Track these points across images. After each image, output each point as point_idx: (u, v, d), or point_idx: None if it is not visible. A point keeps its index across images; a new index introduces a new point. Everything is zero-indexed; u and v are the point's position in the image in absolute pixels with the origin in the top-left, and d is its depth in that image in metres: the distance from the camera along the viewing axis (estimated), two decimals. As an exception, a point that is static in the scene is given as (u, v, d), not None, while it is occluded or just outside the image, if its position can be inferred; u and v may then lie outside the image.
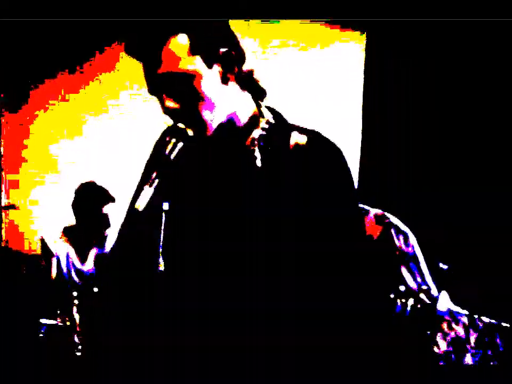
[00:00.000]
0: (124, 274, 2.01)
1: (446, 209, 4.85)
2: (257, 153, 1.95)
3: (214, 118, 1.89)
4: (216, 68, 1.88)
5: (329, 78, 5.57)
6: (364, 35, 5.48)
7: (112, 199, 4.89)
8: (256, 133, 1.98)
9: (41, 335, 4.23)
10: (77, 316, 4.31)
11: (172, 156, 1.86)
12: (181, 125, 1.89)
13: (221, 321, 1.93)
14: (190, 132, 1.89)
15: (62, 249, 4.85)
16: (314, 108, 5.38)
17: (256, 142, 1.96)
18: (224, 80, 1.90)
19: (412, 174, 5.04)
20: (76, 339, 4.27)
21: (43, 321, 4.29)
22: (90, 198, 4.88)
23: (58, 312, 4.33)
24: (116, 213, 4.91)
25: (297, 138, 1.95)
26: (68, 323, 4.29)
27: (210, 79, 1.87)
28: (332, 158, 1.95)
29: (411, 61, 5.18)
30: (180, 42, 1.84)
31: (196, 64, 1.84)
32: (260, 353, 1.91)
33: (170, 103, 1.86)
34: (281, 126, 2.00)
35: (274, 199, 1.91)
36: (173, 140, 1.88)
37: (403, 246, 3.86)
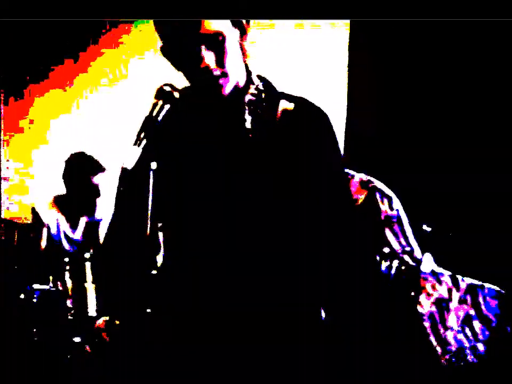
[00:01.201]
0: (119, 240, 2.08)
1: (431, 173, 4.92)
2: (247, 116, 2.04)
3: (232, 79, 1.99)
4: (236, 32, 1.98)
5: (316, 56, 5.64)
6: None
7: (102, 169, 4.95)
8: (246, 98, 2.07)
9: (34, 300, 4.30)
10: (69, 281, 4.37)
11: (159, 118, 1.93)
12: (167, 87, 1.97)
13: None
14: (176, 94, 1.97)
15: (53, 218, 4.91)
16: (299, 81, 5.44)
17: (246, 106, 2.05)
18: (240, 44, 2.02)
19: (396, 139, 5.11)
20: (69, 303, 4.34)
21: (36, 286, 4.36)
22: (80, 168, 4.94)
23: (51, 278, 4.40)
24: (106, 182, 4.97)
25: (284, 105, 2.04)
26: (61, 288, 4.36)
27: (232, 41, 1.99)
28: (318, 121, 2.04)
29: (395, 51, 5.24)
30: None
31: (224, 25, 1.96)
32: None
33: (210, 59, 1.94)
34: (270, 93, 2.09)
35: (261, 161, 1.99)
36: (160, 102, 1.96)
37: (388, 210, 3.92)
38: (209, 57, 1.95)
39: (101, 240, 4.79)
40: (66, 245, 4.85)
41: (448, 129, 5.07)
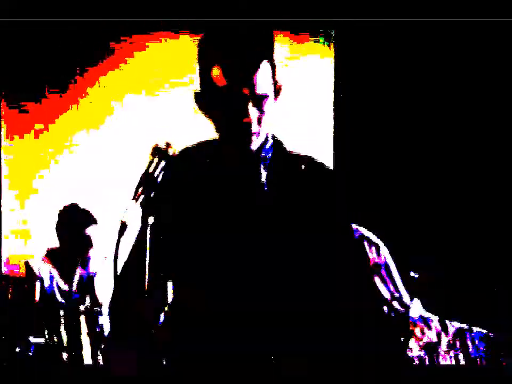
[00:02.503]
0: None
1: (416, 219, 4.98)
2: (262, 172, 2.17)
3: (261, 137, 2.11)
4: (273, 95, 2.13)
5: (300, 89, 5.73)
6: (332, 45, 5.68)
7: (94, 221, 5.00)
8: (262, 154, 2.20)
9: (30, 353, 4.32)
10: (64, 334, 4.40)
11: (155, 174, 2.03)
12: (161, 145, 2.07)
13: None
14: (171, 151, 2.07)
15: (46, 271, 4.94)
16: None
17: (262, 162, 2.18)
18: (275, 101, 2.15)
19: (382, 187, 5.18)
20: (64, 357, 4.37)
21: (31, 340, 4.38)
22: (73, 220, 4.98)
23: (46, 331, 4.42)
24: (98, 234, 5.02)
25: (295, 164, 2.18)
26: (55, 341, 4.39)
27: (270, 103, 2.12)
28: (326, 181, 2.19)
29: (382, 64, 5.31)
30: (267, 67, 2.10)
31: (269, 87, 2.10)
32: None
33: (254, 116, 2.06)
34: (281, 151, 2.22)
35: (274, 218, 2.12)
36: (156, 159, 2.06)
37: (375, 257, 4.00)
38: (253, 114, 2.07)
39: (97, 293, 4.83)
40: (60, 298, 4.87)
41: (432, 172, 5.14)
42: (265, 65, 2.09)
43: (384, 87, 5.29)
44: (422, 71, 5.22)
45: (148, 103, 5.86)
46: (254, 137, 2.10)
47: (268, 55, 2.11)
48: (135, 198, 2.00)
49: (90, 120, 5.94)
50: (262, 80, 2.07)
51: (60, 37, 5.74)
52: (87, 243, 4.97)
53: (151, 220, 2.02)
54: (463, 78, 5.13)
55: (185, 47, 5.60)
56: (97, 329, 4.43)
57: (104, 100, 5.93)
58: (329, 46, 5.75)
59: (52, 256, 5.04)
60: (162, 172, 2.03)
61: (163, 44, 5.86)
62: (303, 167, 2.20)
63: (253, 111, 2.06)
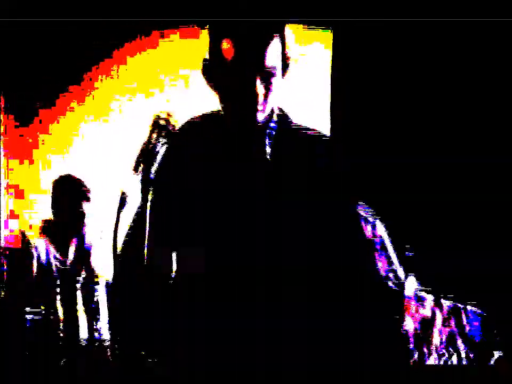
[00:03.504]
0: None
1: (413, 196, 5.00)
2: (267, 144, 2.18)
3: (267, 111, 2.13)
4: (281, 70, 2.14)
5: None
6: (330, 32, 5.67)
7: (89, 192, 4.98)
8: (268, 126, 2.21)
9: (27, 324, 4.34)
10: (60, 307, 4.42)
11: (156, 145, 2.04)
12: (163, 115, 2.08)
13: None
14: (173, 122, 2.08)
15: (41, 243, 4.94)
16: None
17: (267, 134, 2.19)
18: (283, 77, 2.16)
19: (379, 165, 5.19)
20: (60, 328, 4.39)
21: (27, 312, 4.40)
22: (67, 191, 4.96)
23: (42, 304, 4.44)
24: (94, 207, 5.02)
25: (301, 135, 2.20)
26: (52, 314, 4.41)
27: (278, 78, 2.14)
28: (331, 154, 2.20)
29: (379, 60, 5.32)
30: (277, 43, 2.11)
31: (278, 63, 2.12)
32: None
33: (261, 89, 2.08)
34: (287, 124, 2.23)
35: (277, 189, 2.13)
36: (156, 130, 2.07)
37: (371, 235, 4.02)
38: (260, 89, 2.07)
39: (93, 266, 4.84)
40: (55, 271, 4.88)
41: (428, 148, 5.15)
42: (275, 40, 2.10)
43: (383, 76, 5.30)
44: (419, 58, 5.23)
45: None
46: (259, 110, 2.11)
47: (279, 29, 2.12)
48: (135, 170, 2.01)
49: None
50: (272, 54, 2.08)
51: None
52: (82, 215, 4.96)
53: (151, 195, 2.03)
54: (461, 66, 5.14)
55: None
56: (94, 303, 4.45)
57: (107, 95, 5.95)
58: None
59: (47, 228, 5.03)
60: (163, 143, 2.04)
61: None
62: (308, 140, 2.21)
63: (260, 84, 2.07)
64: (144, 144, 2.05)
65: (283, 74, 2.17)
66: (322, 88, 5.74)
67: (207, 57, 2.15)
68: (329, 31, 5.66)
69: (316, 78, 5.78)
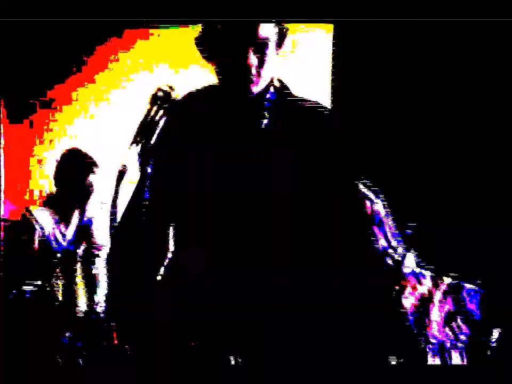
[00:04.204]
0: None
1: (412, 173, 4.99)
2: (265, 115, 2.18)
3: (262, 81, 2.11)
4: (275, 41, 2.11)
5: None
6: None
7: (95, 165, 4.99)
8: (266, 97, 2.20)
9: (27, 295, 4.35)
10: (59, 280, 4.44)
11: (155, 119, 2.04)
12: (164, 87, 2.08)
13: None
14: (174, 94, 2.09)
15: (45, 217, 4.95)
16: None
17: (266, 105, 2.19)
18: (277, 50, 2.15)
19: (381, 140, 5.18)
20: (59, 301, 4.40)
21: (28, 285, 4.41)
22: (73, 165, 4.97)
23: (43, 277, 4.45)
24: (98, 180, 5.02)
25: (300, 107, 2.19)
26: (51, 286, 4.42)
27: (272, 48, 2.13)
28: (330, 125, 2.20)
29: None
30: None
31: (270, 32, 2.09)
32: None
33: (254, 60, 2.06)
34: (287, 95, 2.22)
35: (275, 161, 2.13)
36: (158, 103, 2.07)
37: (370, 211, 4.02)
38: (253, 59, 2.07)
39: (94, 239, 4.85)
40: (56, 243, 4.89)
41: (428, 124, 5.14)
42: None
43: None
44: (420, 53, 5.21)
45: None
46: (254, 80, 2.10)
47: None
48: (135, 142, 2.01)
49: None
50: (264, 26, 2.07)
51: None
52: (88, 188, 4.97)
53: (149, 168, 2.04)
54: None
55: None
56: (93, 276, 4.47)
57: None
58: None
59: (50, 201, 5.05)
60: (163, 115, 2.04)
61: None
62: (307, 111, 2.20)
63: (252, 55, 2.07)
64: (144, 116, 2.05)
65: (279, 46, 2.16)
66: (323, 63, 5.74)
67: (201, 29, 2.15)
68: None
69: (316, 55, 5.78)
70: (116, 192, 2.06)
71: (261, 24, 2.06)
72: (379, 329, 3.80)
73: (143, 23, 5.66)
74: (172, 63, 5.80)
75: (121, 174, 2.02)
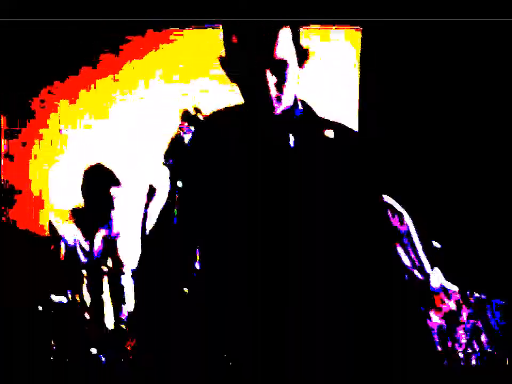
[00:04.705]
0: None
1: (440, 189, 4.99)
2: (290, 136, 2.19)
3: (284, 103, 2.12)
4: (296, 61, 2.12)
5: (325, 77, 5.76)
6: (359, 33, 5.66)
7: (117, 182, 5.04)
8: (291, 119, 2.21)
9: (52, 311, 4.37)
10: (86, 294, 4.46)
11: (185, 139, 2.06)
12: (192, 110, 2.10)
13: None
14: (201, 116, 2.10)
15: (69, 231, 4.99)
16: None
17: (290, 127, 2.20)
18: (298, 71, 2.17)
19: (408, 159, 5.18)
20: (86, 315, 4.42)
21: (54, 298, 4.44)
22: (97, 180, 5.02)
23: (69, 290, 4.48)
24: (122, 196, 5.06)
25: (325, 132, 2.19)
26: (78, 300, 4.45)
27: (292, 69, 2.13)
28: (355, 148, 2.20)
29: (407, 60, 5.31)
30: (286, 33, 2.10)
31: (289, 53, 2.10)
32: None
33: (272, 81, 2.07)
34: (311, 117, 2.23)
35: (301, 181, 2.14)
36: (185, 124, 2.08)
37: (398, 225, 4.01)
38: (271, 81, 2.07)
39: (119, 254, 4.88)
40: (82, 258, 4.92)
41: (456, 142, 5.14)
42: (284, 31, 2.10)
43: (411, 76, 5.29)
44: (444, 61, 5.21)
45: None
46: (275, 103, 2.11)
47: (288, 20, 2.11)
48: (165, 162, 2.03)
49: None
50: (281, 46, 2.08)
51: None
52: (110, 204, 5.02)
53: (179, 184, 2.05)
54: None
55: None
56: (120, 291, 4.48)
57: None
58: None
59: (76, 216, 5.09)
60: (192, 137, 2.06)
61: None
62: (332, 133, 2.21)
63: (270, 77, 2.07)
64: (173, 136, 2.07)
65: (300, 65, 2.17)
66: (349, 83, 5.75)
67: (223, 51, 2.17)
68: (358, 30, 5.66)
69: (341, 72, 5.79)
70: (146, 208, 2.08)
71: (278, 44, 2.07)
72: (406, 346, 3.79)
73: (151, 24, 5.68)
74: (187, 73, 5.84)
75: (152, 190, 2.03)
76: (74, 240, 4.95)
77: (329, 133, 2.21)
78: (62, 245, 4.91)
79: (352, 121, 5.56)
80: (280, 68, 2.09)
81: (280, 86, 2.10)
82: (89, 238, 4.98)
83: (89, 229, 5.01)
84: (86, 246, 4.96)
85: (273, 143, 2.19)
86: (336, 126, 2.24)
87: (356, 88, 5.65)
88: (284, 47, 2.09)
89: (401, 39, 5.29)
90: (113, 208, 5.02)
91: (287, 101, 2.15)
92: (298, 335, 2.12)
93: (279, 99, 2.11)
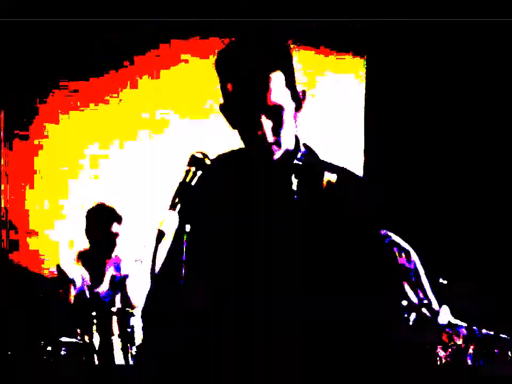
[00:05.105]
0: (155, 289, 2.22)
1: (445, 227, 5.00)
2: (293, 180, 2.21)
3: (283, 147, 2.14)
4: (293, 104, 2.14)
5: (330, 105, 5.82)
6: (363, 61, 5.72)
7: (119, 218, 5.07)
8: (293, 162, 2.23)
9: (63, 352, 4.40)
10: (96, 335, 4.47)
11: (193, 183, 2.09)
12: (199, 155, 2.13)
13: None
14: (208, 161, 2.13)
15: (77, 273, 5.03)
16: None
17: (293, 171, 2.22)
18: (295, 115, 2.18)
19: (413, 195, 5.21)
20: (95, 357, 4.44)
21: (64, 339, 4.46)
22: (99, 220, 5.06)
23: (78, 331, 4.50)
24: (125, 232, 5.10)
25: (328, 176, 2.21)
26: (87, 342, 4.46)
27: (289, 112, 2.14)
28: (358, 192, 2.22)
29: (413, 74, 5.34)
30: (279, 78, 2.11)
31: (284, 98, 2.11)
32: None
33: (269, 124, 2.10)
34: (314, 161, 2.25)
35: (303, 225, 2.16)
36: (193, 169, 2.11)
37: (405, 263, 4.03)
38: (267, 126, 2.10)
39: (129, 295, 4.90)
40: (90, 299, 4.94)
41: (461, 181, 5.17)
42: (276, 76, 2.11)
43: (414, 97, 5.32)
44: (454, 79, 5.24)
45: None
46: (274, 148, 2.13)
47: (280, 64, 2.12)
48: (173, 206, 2.05)
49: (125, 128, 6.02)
50: (274, 91, 2.10)
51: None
52: (113, 242, 5.05)
53: (188, 228, 2.08)
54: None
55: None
56: (129, 331, 4.49)
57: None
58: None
59: (82, 258, 5.13)
60: (199, 182, 2.09)
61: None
62: (335, 176, 2.22)
63: (266, 123, 2.10)
64: (181, 181, 2.10)
65: (298, 108, 2.19)
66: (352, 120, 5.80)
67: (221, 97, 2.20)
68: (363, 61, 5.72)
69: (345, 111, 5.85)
70: (155, 252, 2.11)
71: (271, 90, 2.09)
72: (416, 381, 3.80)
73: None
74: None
75: (161, 234, 2.06)
76: (83, 281, 4.98)
77: (332, 177, 2.23)
78: (72, 287, 4.93)
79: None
80: (275, 112, 2.10)
81: (277, 130, 2.12)
82: (97, 279, 5.02)
83: (96, 270, 5.04)
84: (94, 287, 4.98)
85: (276, 188, 2.21)
86: (339, 170, 2.26)
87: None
88: (278, 91, 2.11)
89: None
90: (115, 246, 5.05)
91: (286, 145, 2.16)
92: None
93: (277, 143, 2.13)
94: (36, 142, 5.97)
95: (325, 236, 2.15)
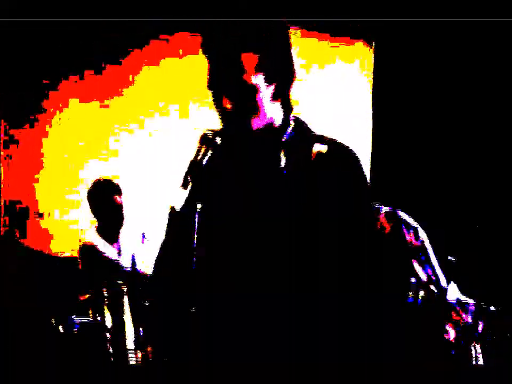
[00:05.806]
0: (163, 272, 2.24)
1: (453, 204, 5.02)
2: (282, 156, 2.20)
3: (257, 126, 2.15)
4: (272, 87, 2.15)
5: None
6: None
7: (119, 190, 5.08)
8: (282, 138, 2.23)
9: (74, 330, 4.42)
10: (108, 314, 4.50)
11: (203, 161, 2.11)
12: (209, 133, 2.14)
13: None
14: (218, 140, 2.14)
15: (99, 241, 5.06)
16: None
17: (282, 146, 2.21)
18: (275, 98, 2.17)
19: (420, 173, 5.22)
20: (108, 335, 4.47)
21: (75, 318, 4.48)
22: (101, 196, 5.07)
23: (90, 310, 4.52)
24: (129, 207, 5.13)
25: (319, 147, 2.20)
26: (99, 320, 4.49)
27: (266, 95, 2.14)
28: (349, 165, 2.21)
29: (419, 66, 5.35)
30: (250, 59, 2.11)
31: (258, 79, 2.12)
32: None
33: (228, 105, 2.12)
34: (304, 134, 2.25)
35: (296, 200, 2.16)
36: (203, 147, 2.13)
37: (413, 241, 4.04)
38: (232, 104, 2.11)
39: (141, 273, 4.91)
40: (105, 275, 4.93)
41: (469, 156, 5.18)
42: (248, 57, 2.11)
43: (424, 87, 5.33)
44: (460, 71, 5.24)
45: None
46: (254, 121, 2.13)
47: (255, 46, 2.11)
48: (184, 185, 2.07)
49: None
50: (245, 71, 2.12)
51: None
52: (121, 214, 5.07)
53: (199, 206, 2.10)
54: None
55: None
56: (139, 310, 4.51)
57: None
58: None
59: (99, 232, 5.14)
60: (209, 160, 2.10)
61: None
62: (325, 148, 2.20)
63: (231, 101, 2.11)
64: (193, 157, 2.12)
65: (288, 82, 2.19)
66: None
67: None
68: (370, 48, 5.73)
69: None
70: (168, 231, 2.13)
71: (241, 70, 2.09)
72: (422, 359, 3.82)
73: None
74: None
75: (173, 211, 2.09)
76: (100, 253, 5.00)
77: (323, 148, 2.21)
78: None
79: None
80: (246, 92, 2.10)
81: (248, 109, 2.12)
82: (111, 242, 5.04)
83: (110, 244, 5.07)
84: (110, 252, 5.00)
85: (264, 165, 2.20)
86: (330, 142, 2.23)
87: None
88: (249, 71, 2.10)
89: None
90: (123, 217, 5.06)
91: (262, 123, 2.15)
92: None
93: (256, 119, 2.13)
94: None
95: (314, 208, 2.13)
